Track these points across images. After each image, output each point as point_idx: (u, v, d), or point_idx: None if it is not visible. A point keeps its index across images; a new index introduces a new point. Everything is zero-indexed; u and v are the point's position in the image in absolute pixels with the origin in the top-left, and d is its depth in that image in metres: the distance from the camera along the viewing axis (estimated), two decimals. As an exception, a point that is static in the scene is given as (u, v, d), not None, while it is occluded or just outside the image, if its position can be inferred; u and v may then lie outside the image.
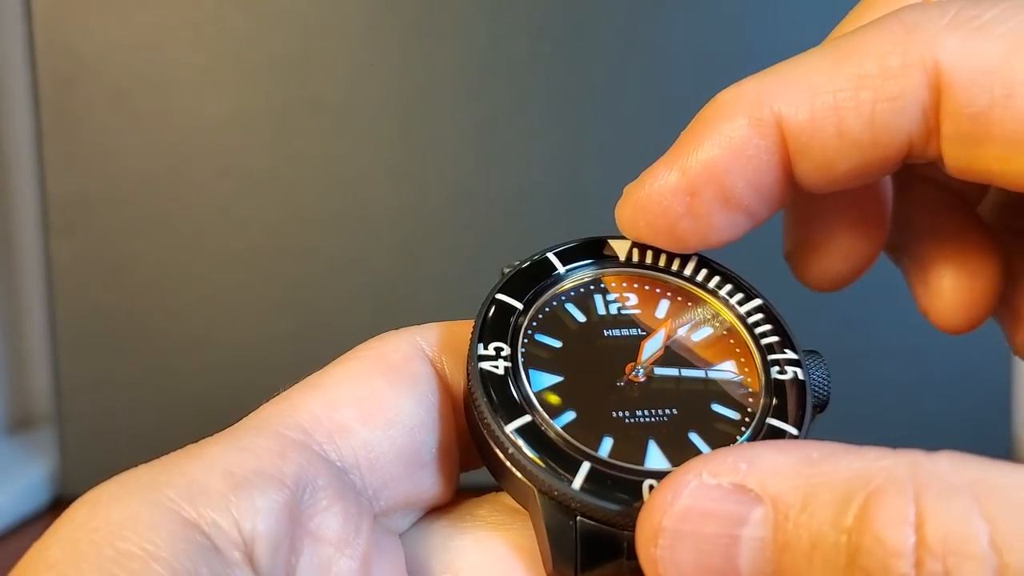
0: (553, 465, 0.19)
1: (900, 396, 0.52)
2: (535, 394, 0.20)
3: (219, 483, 0.17)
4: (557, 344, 0.21)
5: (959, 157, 0.20)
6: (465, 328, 0.22)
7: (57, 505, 0.51)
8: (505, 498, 0.21)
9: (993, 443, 0.53)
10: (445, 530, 0.21)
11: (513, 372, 0.20)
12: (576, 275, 0.22)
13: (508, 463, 0.19)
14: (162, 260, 0.50)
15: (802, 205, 0.24)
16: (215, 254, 0.50)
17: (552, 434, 0.19)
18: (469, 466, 0.22)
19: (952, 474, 0.15)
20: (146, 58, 0.49)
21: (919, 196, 0.25)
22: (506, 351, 0.20)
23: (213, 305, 0.50)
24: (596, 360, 0.21)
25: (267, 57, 0.50)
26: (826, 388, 0.22)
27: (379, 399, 0.20)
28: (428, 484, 0.21)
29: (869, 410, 0.51)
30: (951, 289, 0.24)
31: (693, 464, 0.17)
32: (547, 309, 0.22)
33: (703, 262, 0.23)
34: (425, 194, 0.51)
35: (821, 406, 0.22)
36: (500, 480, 0.20)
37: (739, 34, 0.50)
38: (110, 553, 0.16)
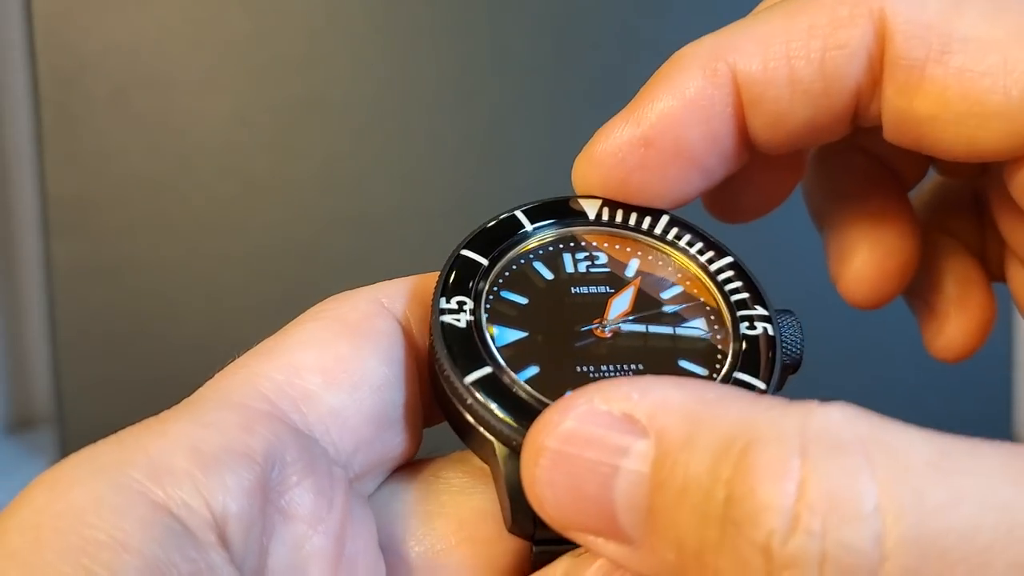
0: (512, 415, 0.18)
1: (900, 396, 0.52)
2: (498, 349, 0.20)
3: (185, 462, 0.16)
4: (523, 301, 0.21)
5: (894, 115, 0.20)
6: (431, 281, 0.21)
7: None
8: (472, 459, 0.21)
9: (993, 443, 0.53)
10: (412, 494, 0.20)
11: (476, 326, 0.20)
12: (544, 233, 0.22)
13: (467, 415, 0.19)
14: (162, 261, 0.50)
15: None
16: (215, 254, 0.50)
17: (513, 386, 0.19)
18: (432, 421, 0.21)
19: (844, 429, 0.14)
20: (146, 58, 0.49)
21: (852, 164, 0.25)
22: (469, 305, 0.20)
23: (213, 305, 0.50)
24: (562, 317, 0.21)
25: (268, 57, 0.50)
26: (798, 347, 0.21)
27: (341, 361, 0.19)
28: (396, 443, 0.20)
29: (868, 409, 0.51)
30: (863, 263, 0.25)
31: (588, 389, 0.16)
32: (514, 267, 0.21)
33: (674, 220, 0.22)
34: (425, 194, 0.51)
35: (794, 365, 0.21)
36: (462, 435, 0.20)
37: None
38: (76, 541, 0.15)
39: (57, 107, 0.49)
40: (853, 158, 0.25)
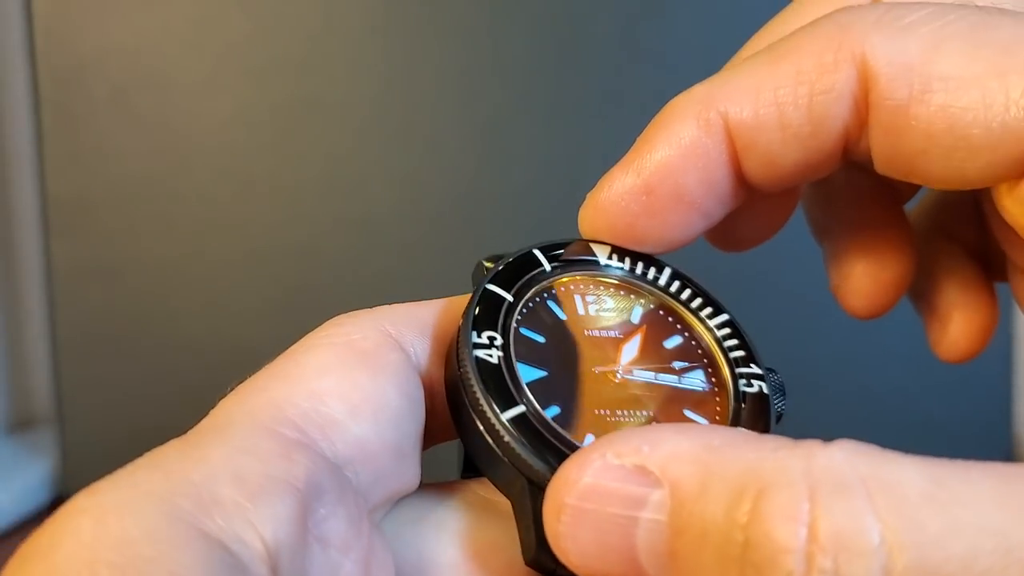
0: (545, 455, 0.19)
1: (900, 396, 0.52)
2: (526, 385, 0.20)
3: (232, 491, 0.16)
4: (541, 339, 0.21)
5: (883, 151, 0.21)
6: (426, 310, 0.22)
7: (57, 505, 0.51)
8: (479, 488, 0.21)
9: (993, 443, 0.53)
10: (419, 524, 0.21)
11: (507, 362, 0.20)
12: (559, 273, 0.22)
13: (501, 452, 0.19)
14: (162, 261, 0.50)
15: None
16: (215, 255, 0.50)
17: (543, 426, 0.19)
18: (426, 446, 0.22)
19: (846, 469, 0.15)
20: (146, 58, 0.49)
21: (849, 180, 0.26)
22: (499, 341, 0.20)
23: (213, 305, 0.50)
24: (577, 358, 0.21)
25: (267, 58, 0.50)
26: (782, 403, 0.22)
27: (362, 390, 0.19)
28: (409, 475, 0.20)
29: (869, 410, 0.51)
30: (860, 274, 0.26)
31: (600, 443, 0.17)
32: (531, 304, 0.22)
33: (676, 275, 0.23)
34: (425, 194, 0.51)
35: (777, 419, 0.22)
36: (486, 468, 0.20)
37: (740, 35, 0.50)
38: None
39: (57, 107, 0.49)
40: (850, 174, 0.26)
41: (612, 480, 0.17)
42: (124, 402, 0.49)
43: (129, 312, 0.50)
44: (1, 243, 0.57)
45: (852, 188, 0.26)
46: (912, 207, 0.28)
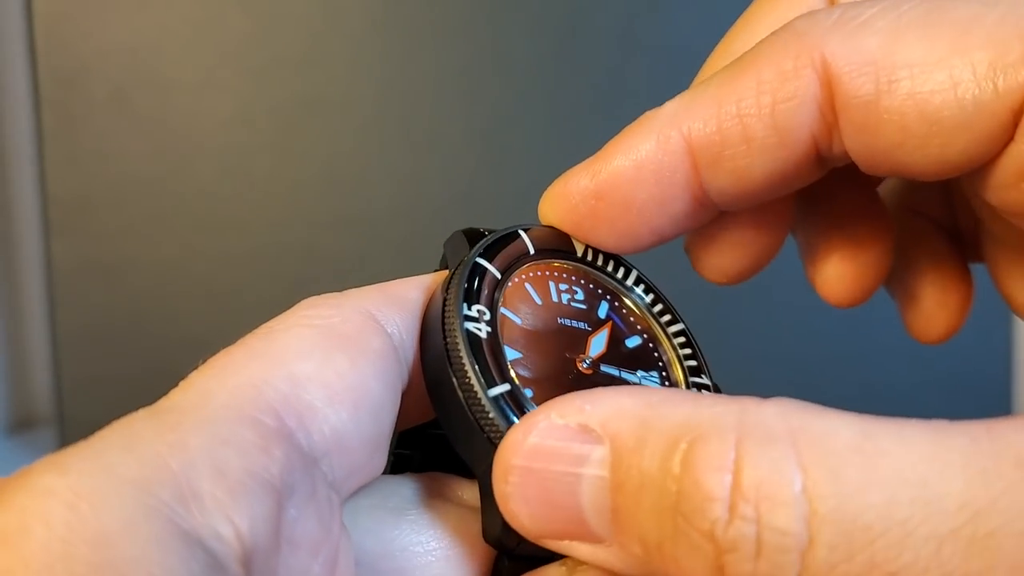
0: None
1: (900, 396, 0.52)
2: (509, 363, 0.20)
3: (211, 485, 0.15)
4: (517, 320, 0.21)
5: (860, 149, 0.21)
6: (406, 287, 0.22)
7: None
8: (431, 479, 0.21)
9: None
10: (377, 512, 0.20)
11: (492, 338, 0.20)
12: (540, 258, 0.23)
13: (481, 428, 0.19)
14: (162, 260, 0.50)
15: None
16: (215, 254, 0.50)
17: (526, 405, 0.19)
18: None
19: (776, 422, 0.15)
20: (146, 59, 0.49)
21: None
22: (487, 316, 0.20)
23: (214, 305, 0.50)
24: (550, 344, 0.21)
25: (267, 57, 0.50)
26: None
27: (342, 378, 0.19)
28: (378, 465, 0.20)
29: (869, 411, 0.51)
30: (836, 265, 0.26)
31: (545, 406, 0.17)
32: (509, 284, 0.22)
33: (641, 278, 0.24)
34: (425, 193, 0.51)
35: None
36: (461, 442, 0.20)
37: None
38: None
39: (57, 107, 0.49)
40: None
41: (556, 439, 0.17)
42: (124, 402, 0.49)
43: (129, 312, 0.50)
44: (1, 242, 0.57)
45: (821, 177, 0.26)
46: (881, 185, 0.27)
